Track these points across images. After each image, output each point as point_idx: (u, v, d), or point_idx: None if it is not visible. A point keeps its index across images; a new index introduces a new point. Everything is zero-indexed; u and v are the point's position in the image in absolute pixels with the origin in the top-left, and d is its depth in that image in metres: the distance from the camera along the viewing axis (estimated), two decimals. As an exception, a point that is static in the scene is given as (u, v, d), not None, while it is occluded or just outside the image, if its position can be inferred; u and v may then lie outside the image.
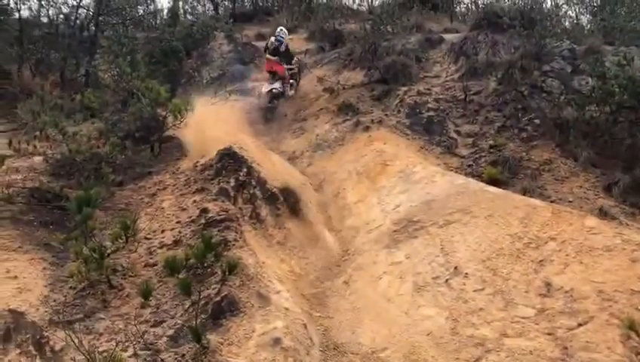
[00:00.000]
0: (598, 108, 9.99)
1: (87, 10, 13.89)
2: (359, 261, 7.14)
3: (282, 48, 13.02)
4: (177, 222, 7.05)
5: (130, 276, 6.31)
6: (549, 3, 17.91)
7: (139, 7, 19.43)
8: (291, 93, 13.21)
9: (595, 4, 18.95)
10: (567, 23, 15.90)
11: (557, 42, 11.89)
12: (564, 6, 18.67)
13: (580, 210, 8.02)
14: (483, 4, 18.76)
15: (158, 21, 20.87)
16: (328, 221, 8.70)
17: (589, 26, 16.76)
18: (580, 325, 5.05)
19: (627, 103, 9.78)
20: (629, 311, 4.75)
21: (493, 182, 8.79)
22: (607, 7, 17.32)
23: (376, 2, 20.41)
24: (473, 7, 20.14)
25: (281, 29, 13.45)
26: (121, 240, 6.34)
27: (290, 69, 13.33)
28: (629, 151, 9.42)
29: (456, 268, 6.18)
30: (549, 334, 5.07)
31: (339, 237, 8.20)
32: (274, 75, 12.95)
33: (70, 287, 6.06)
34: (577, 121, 9.99)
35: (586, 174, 9.32)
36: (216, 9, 22.81)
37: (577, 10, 19.20)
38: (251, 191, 7.84)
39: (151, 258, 6.55)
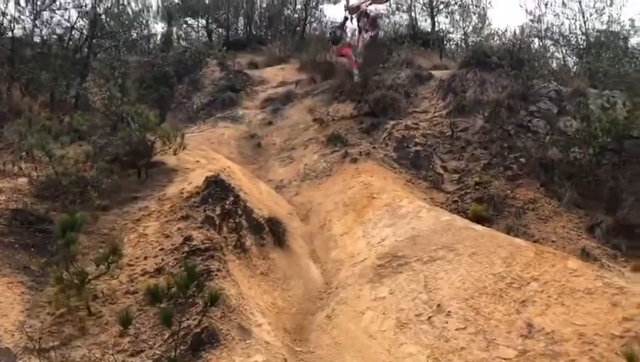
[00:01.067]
0: (582, 150, 10.18)
1: (81, 32, 13.92)
2: (343, 295, 7.10)
3: None
4: (161, 250, 6.98)
5: (110, 303, 6.20)
6: (537, 44, 18.35)
7: (133, 31, 19.56)
8: None
9: (581, 47, 19.42)
10: (554, 65, 16.27)
11: (544, 83, 12.17)
12: (551, 48, 19.14)
13: (563, 250, 8.11)
14: (472, 42, 19.20)
15: (151, 46, 21.01)
16: (313, 252, 8.68)
17: (575, 68, 17.15)
18: (560, 368, 5.05)
19: (610, 146, 9.98)
20: (609, 355, 4.76)
21: (478, 219, 8.88)
22: (593, 51, 17.78)
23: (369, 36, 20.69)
24: (463, 45, 20.55)
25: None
26: (103, 266, 6.26)
27: None
28: (612, 193, 9.58)
29: (439, 305, 6.17)
30: (529, 376, 5.06)
31: (323, 269, 8.17)
32: None
33: (48, 313, 5.94)
34: (562, 162, 10.16)
35: (569, 214, 9.43)
36: (209, 36, 23.06)
37: (564, 52, 19.68)
38: (237, 220, 7.81)
39: (132, 285, 6.46)
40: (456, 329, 5.77)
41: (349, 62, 14.14)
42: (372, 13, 12.60)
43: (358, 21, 13.36)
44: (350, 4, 13.64)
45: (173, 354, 5.27)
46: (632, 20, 19.83)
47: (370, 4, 13.29)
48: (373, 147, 11.56)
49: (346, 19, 13.75)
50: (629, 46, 18.04)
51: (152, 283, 5.80)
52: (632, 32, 18.80)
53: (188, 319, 5.76)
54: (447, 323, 5.89)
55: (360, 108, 13.15)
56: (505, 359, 5.31)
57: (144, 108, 9.74)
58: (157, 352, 5.49)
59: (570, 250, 8.36)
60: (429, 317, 6.05)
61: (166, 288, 5.74)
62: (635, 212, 9.01)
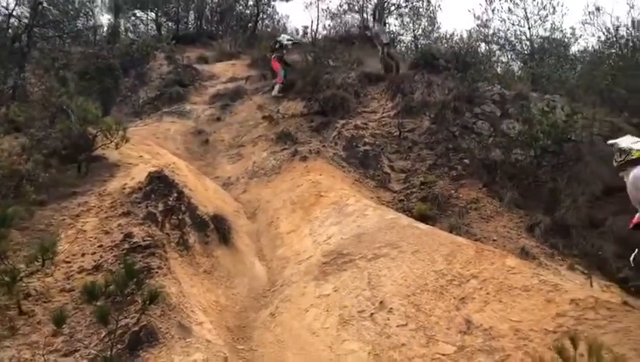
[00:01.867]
0: (523, 152, 10.51)
1: (20, 20, 13.34)
2: (287, 292, 7.06)
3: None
4: (99, 246, 6.76)
5: (44, 301, 5.95)
6: (484, 48, 18.84)
7: (78, 21, 18.89)
8: None
9: (525, 53, 20.07)
10: (498, 69, 16.72)
11: (488, 86, 12.49)
12: (497, 52, 19.69)
13: (504, 249, 8.33)
14: (422, 45, 19.52)
15: (97, 37, 20.35)
16: (260, 250, 8.61)
17: (519, 72, 17.70)
18: (496, 363, 5.16)
19: (550, 148, 10.34)
20: (542, 350, 4.89)
21: (422, 217, 9.01)
22: (536, 56, 18.42)
23: (320, 35, 20.78)
24: (412, 47, 20.87)
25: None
26: (37, 263, 6.00)
27: None
28: (551, 194, 9.92)
29: (381, 302, 6.21)
30: (467, 371, 5.16)
31: (269, 267, 8.12)
32: None
33: (-25, 313, 5.66)
34: (504, 163, 10.46)
35: (510, 214, 9.71)
36: (158, 29, 22.55)
37: (509, 56, 20.29)
38: (180, 217, 7.65)
39: (68, 283, 6.23)
40: (397, 326, 5.82)
41: (278, 77, 14.39)
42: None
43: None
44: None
45: (109, 353, 5.12)
46: (572, 29, 20.66)
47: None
48: (323, 146, 11.57)
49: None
50: (570, 53, 18.78)
51: (89, 281, 5.61)
52: (572, 40, 19.58)
53: (126, 317, 5.61)
54: (389, 319, 5.94)
55: (310, 106, 13.14)
56: (444, 355, 5.39)
57: (85, 100, 9.42)
58: (92, 352, 5.30)
59: (510, 249, 8.59)
60: (372, 314, 6.09)
61: (104, 286, 5.57)
62: (572, 212, 9.36)
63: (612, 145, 5.52)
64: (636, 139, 5.44)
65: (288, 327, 6.41)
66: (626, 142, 5.34)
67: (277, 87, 14.18)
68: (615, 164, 5.35)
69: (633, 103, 12.24)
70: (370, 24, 15.32)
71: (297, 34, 21.62)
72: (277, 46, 14.66)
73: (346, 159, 11.20)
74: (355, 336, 5.87)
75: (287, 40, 14.96)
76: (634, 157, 5.18)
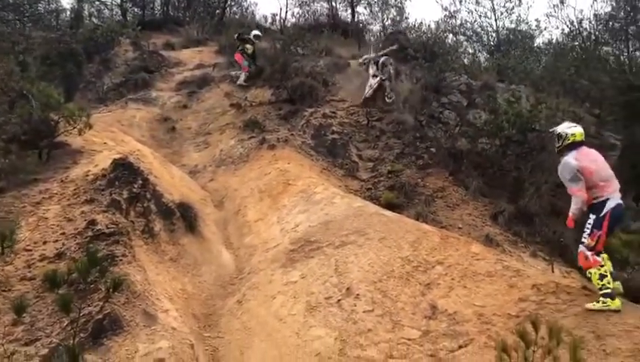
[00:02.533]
0: (489, 141, 10.67)
1: (-22, 2, 12.88)
2: (254, 280, 7.04)
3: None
4: (62, 234, 6.62)
5: (4, 290, 5.81)
6: (451, 39, 19.03)
7: (39, 4, 18.33)
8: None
9: (492, 44, 20.36)
10: (465, 60, 16.91)
11: (455, 76, 12.60)
12: (464, 43, 19.91)
13: (469, 236, 8.47)
14: (391, 34, 19.56)
15: (59, 22, 19.77)
16: (227, 238, 8.56)
17: (485, 63, 17.94)
18: (460, 347, 5.24)
19: (515, 138, 10.52)
20: (505, 333, 4.99)
21: (389, 205, 9.08)
22: (502, 48, 18.70)
23: (289, 23, 20.65)
24: (382, 36, 20.91)
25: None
26: (-5, 252, 5.84)
27: None
28: (515, 182, 10.12)
29: (348, 288, 6.25)
30: (431, 356, 5.22)
31: (236, 255, 8.08)
32: None
33: None
34: (470, 152, 10.60)
35: (475, 202, 9.87)
36: (124, 15, 22.02)
37: (476, 47, 20.55)
38: (145, 205, 7.53)
39: (29, 271, 6.08)
40: (364, 312, 5.87)
41: (241, 67, 14.33)
42: (381, 60, 12.65)
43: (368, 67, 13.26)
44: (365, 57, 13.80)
45: (71, 342, 5.01)
46: (537, 21, 21.07)
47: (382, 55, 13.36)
48: (291, 134, 11.53)
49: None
50: (535, 45, 19.14)
51: (50, 269, 5.47)
52: (537, 32, 19.96)
53: (89, 306, 5.52)
54: (355, 305, 5.98)
55: (278, 94, 13.07)
56: (409, 339, 5.46)
57: (47, 86, 9.16)
58: (54, 340, 5.21)
59: (475, 236, 8.75)
60: (339, 300, 6.12)
61: (66, 274, 5.42)
62: (535, 201, 9.58)
63: (552, 132, 5.73)
64: (572, 124, 5.66)
65: (255, 314, 6.40)
66: (562, 127, 5.59)
67: (242, 76, 14.10)
68: (556, 150, 5.57)
69: (595, 94, 12.56)
70: (372, 52, 13.80)
71: (265, 21, 21.48)
72: (240, 39, 14.68)
73: (314, 147, 11.19)
74: (322, 322, 5.90)
75: (254, 35, 14.81)
76: (570, 141, 5.43)
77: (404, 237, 6.89)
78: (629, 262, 6.94)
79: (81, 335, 5.21)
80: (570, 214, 5.32)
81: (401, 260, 6.48)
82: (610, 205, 5.12)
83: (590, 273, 5.06)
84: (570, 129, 5.51)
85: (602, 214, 5.10)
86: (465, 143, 10.83)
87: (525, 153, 10.34)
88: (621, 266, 7.14)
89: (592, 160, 5.33)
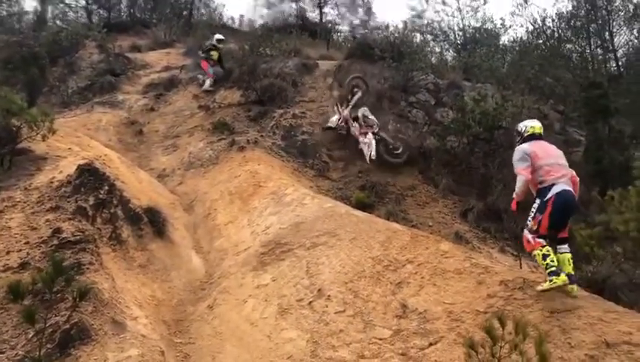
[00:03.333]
0: (457, 139, 10.80)
1: None
2: (225, 284, 6.99)
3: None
4: (26, 243, 6.44)
5: (-35, 303, 5.64)
6: (418, 38, 19.19)
7: (1, 7, 17.90)
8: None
9: (458, 43, 20.61)
10: (433, 59, 17.07)
11: (423, 75, 12.70)
12: (431, 42, 20.12)
13: (439, 234, 8.56)
14: (358, 34, 19.68)
15: (22, 24, 19.35)
16: (197, 243, 8.47)
17: (452, 62, 18.14)
18: (430, 344, 5.30)
19: (482, 136, 10.67)
20: (473, 330, 5.07)
21: (360, 205, 9.12)
22: (469, 46, 18.94)
23: (257, 24, 20.58)
24: (349, 37, 21.02)
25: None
26: (-44, 263, 5.67)
27: None
28: (483, 180, 10.27)
29: (319, 290, 6.25)
30: (402, 354, 5.26)
31: (207, 259, 8.01)
32: None
33: None
34: (439, 150, 10.72)
35: (444, 200, 9.98)
36: (89, 17, 21.67)
37: (442, 46, 20.78)
38: (112, 211, 7.40)
39: (-8, 282, 5.91)
40: (335, 313, 5.88)
41: (207, 73, 14.15)
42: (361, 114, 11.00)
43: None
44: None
45: (37, 353, 4.90)
46: (502, 20, 21.40)
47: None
48: (261, 135, 11.49)
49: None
50: (500, 43, 19.43)
51: (14, 280, 5.34)
52: (502, 31, 20.27)
53: (56, 316, 5.40)
54: (327, 306, 5.99)
55: (247, 95, 13.01)
56: (381, 339, 5.49)
57: (9, 91, 8.92)
58: (20, 352, 5.09)
59: (445, 234, 8.85)
60: (310, 302, 6.12)
61: (30, 284, 5.32)
62: (503, 198, 9.70)
63: (514, 129, 5.99)
64: (532, 120, 5.94)
65: (227, 319, 6.35)
66: (522, 123, 5.89)
67: (208, 82, 13.97)
68: (517, 145, 5.75)
69: (559, 91, 12.81)
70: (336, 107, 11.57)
71: (233, 22, 21.36)
72: (206, 48, 14.51)
73: (284, 148, 11.17)
74: (294, 325, 5.89)
75: (216, 39, 14.61)
76: (528, 133, 5.69)
77: (374, 237, 6.92)
78: (594, 256, 7.09)
79: (48, 346, 5.10)
80: (514, 195, 5.59)
81: (372, 260, 6.51)
82: (554, 190, 5.30)
83: (535, 254, 5.29)
84: (528, 123, 5.82)
85: (546, 198, 5.30)
86: (433, 142, 10.95)
87: (492, 150, 10.50)
88: (586, 260, 7.33)
89: (542, 148, 5.57)
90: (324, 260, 6.76)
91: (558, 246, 5.44)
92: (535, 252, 5.29)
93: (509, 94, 11.48)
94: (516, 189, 5.54)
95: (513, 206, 5.70)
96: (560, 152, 5.66)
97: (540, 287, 5.23)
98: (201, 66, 14.37)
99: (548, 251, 5.21)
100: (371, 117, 11.03)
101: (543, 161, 5.44)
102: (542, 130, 5.75)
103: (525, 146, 5.56)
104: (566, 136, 11.39)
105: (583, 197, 8.52)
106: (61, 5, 22.18)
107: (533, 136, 5.67)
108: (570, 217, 5.61)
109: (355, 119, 11.14)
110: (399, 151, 10.74)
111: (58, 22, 21.16)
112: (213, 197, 9.50)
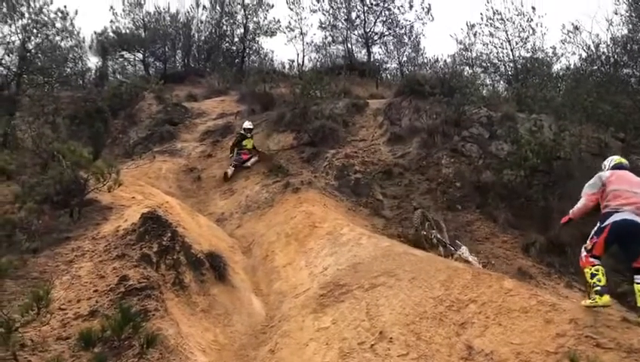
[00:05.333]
0: (513, 172, 10.59)
1: (9, 68, 13.46)
2: (285, 327, 6.99)
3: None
4: (95, 291, 6.70)
5: (40, 351, 5.86)
6: (467, 72, 19.11)
7: (66, 66, 19.03)
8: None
9: (509, 74, 20.36)
10: (484, 91, 16.92)
11: (475, 109, 12.63)
12: (481, 75, 19.96)
13: (501, 270, 8.32)
14: (406, 71, 19.80)
15: (85, 80, 20.51)
16: (256, 285, 8.56)
17: (504, 93, 17.92)
18: (500, 387, 5.12)
19: (540, 167, 10.44)
20: (545, 372, 4.88)
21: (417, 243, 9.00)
22: (520, 77, 18.68)
23: (306, 68, 21.04)
24: (398, 74, 21.17)
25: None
26: (32, 312, 5.93)
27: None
28: (544, 212, 9.99)
29: (381, 332, 6.16)
30: (471, 398, 5.11)
31: (266, 302, 8.06)
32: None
33: (-29, 366, 5.57)
34: (495, 185, 10.54)
35: (504, 235, 9.75)
36: (146, 69, 22.78)
37: (493, 78, 20.58)
38: (175, 257, 7.60)
39: (64, 330, 6.14)
40: (398, 356, 5.77)
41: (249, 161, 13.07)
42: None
43: None
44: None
45: (108, 401, 5.04)
46: (553, 48, 21.04)
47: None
48: (314, 176, 11.63)
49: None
50: (553, 72, 19.06)
51: (85, 328, 5.55)
52: (554, 59, 19.91)
53: (124, 363, 5.53)
54: (389, 349, 5.89)
55: (300, 138, 13.26)
56: (447, 382, 5.34)
57: (76, 145, 9.44)
58: (91, 400, 5.22)
59: (507, 270, 8.61)
60: (372, 345, 6.03)
61: (100, 331, 5.51)
62: (566, 230, 9.39)
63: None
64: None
65: (288, 363, 6.33)
66: (607, 159, 6.24)
67: (253, 159, 12.93)
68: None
69: (618, 118, 12.41)
70: None
71: (284, 68, 21.92)
72: (236, 141, 13.35)
73: (337, 188, 11.25)
74: (357, 369, 5.81)
75: (244, 128, 13.36)
76: (614, 163, 6.02)
77: (434, 276, 6.81)
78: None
79: (118, 393, 5.23)
80: (570, 212, 6.01)
81: (433, 300, 6.39)
82: (613, 218, 5.50)
83: (584, 272, 5.56)
84: (613, 156, 6.25)
85: (604, 225, 5.56)
86: (490, 175, 10.79)
87: (552, 182, 10.25)
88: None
89: (621, 175, 5.79)
90: (383, 301, 6.68)
91: (635, 276, 5.46)
92: (585, 269, 5.53)
93: (566, 124, 11.22)
94: (574, 208, 5.93)
95: (563, 220, 6.15)
96: (633, 177, 5.80)
97: (583, 302, 5.49)
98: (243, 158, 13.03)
99: (597, 271, 5.42)
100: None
101: (614, 186, 5.63)
102: (626, 162, 6.10)
103: (604, 172, 5.83)
104: (630, 165, 10.95)
105: None
106: (120, 60, 23.50)
107: (619, 166, 5.92)
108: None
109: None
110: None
111: (118, 76, 22.38)
112: (270, 239, 9.62)
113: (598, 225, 5.60)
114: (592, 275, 5.42)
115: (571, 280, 8.61)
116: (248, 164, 12.90)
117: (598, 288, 5.31)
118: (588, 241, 5.62)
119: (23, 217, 7.88)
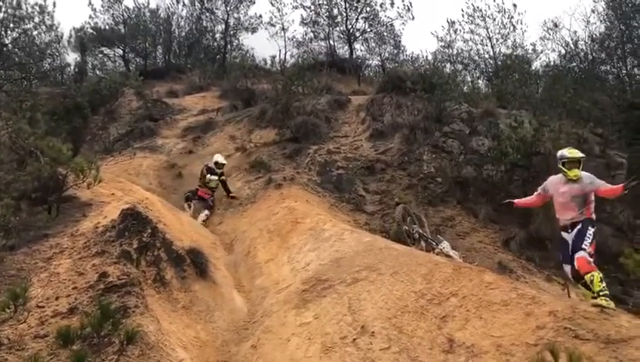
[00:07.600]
0: (494, 168, 10.68)
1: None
2: (268, 323, 6.97)
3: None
4: (74, 288, 6.59)
5: (18, 349, 5.75)
6: (448, 68, 19.22)
7: (44, 61, 18.74)
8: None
9: (490, 70, 20.53)
10: (465, 88, 17.03)
11: (456, 105, 12.69)
12: (462, 71, 20.10)
13: (481, 264, 8.39)
14: (388, 68, 19.84)
15: (64, 76, 20.23)
16: (238, 281, 8.51)
17: (485, 90, 18.06)
18: (480, 380, 5.16)
19: (520, 163, 10.53)
20: (525, 364, 4.92)
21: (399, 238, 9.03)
22: (501, 73, 18.84)
23: (288, 64, 20.98)
24: (380, 70, 21.20)
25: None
26: (8, 310, 5.83)
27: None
28: (524, 207, 10.05)
29: (363, 326, 6.17)
30: (452, 390, 5.14)
31: (248, 298, 8.02)
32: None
33: (-55, 366, 5.46)
34: (476, 180, 10.62)
35: (485, 230, 9.83)
36: (126, 65, 22.51)
37: (474, 75, 20.73)
38: (156, 253, 7.52)
39: (42, 328, 6.04)
40: (380, 350, 5.78)
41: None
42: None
43: None
44: None
45: (87, 398, 4.96)
46: (533, 45, 21.27)
47: None
48: (297, 172, 11.61)
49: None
50: (533, 68, 19.27)
51: (63, 325, 5.47)
52: (534, 56, 20.13)
53: (104, 360, 5.45)
54: (371, 343, 5.90)
55: (282, 134, 13.22)
56: (428, 375, 5.37)
57: (55, 141, 9.29)
58: (70, 398, 5.14)
59: (488, 264, 8.67)
60: (354, 339, 6.04)
61: (79, 329, 5.43)
62: (546, 225, 9.50)
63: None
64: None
65: (270, 358, 6.31)
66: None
67: (203, 215, 10.83)
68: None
69: (596, 114, 12.59)
70: None
71: (265, 64, 21.83)
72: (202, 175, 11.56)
73: (320, 184, 11.24)
74: (339, 363, 5.81)
75: (215, 162, 11.51)
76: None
77: (416, 271, 6.83)
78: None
79: (97, 390, 5.16)
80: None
81: (415, 294, 6.41)
82: None
83: (593, 275, 5.65)
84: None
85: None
86: (470, 171, 10.86)
87: (532, 177, 10.33)
88: (638, 286, 7.07)
89: None
90: (365, 296, 6.69)
91: None
92: (594, 273, 5.64)
93: (546, 120, 11.34)
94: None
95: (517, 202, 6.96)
96: None
97: (595, 301, 5.46)
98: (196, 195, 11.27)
99: (601, 276, 5.62)
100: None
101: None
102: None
103: None
104: (607, 160, 11.14)
105: (629, 222, 8.29)
106: (100, 56, 23.21)
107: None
108: None
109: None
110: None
111: (98, 72, 22.11)
112: (253, 235, 9.58)
113: (593, 229, 5.86)
114: (602, 279, 5.60)
115: (551, 274, 8.71)
116: (202, 216, 10.68)
117: (607, 292, 5.47)
118: (589, 246, 5.79)
119: (-1, 214, 7.74)
